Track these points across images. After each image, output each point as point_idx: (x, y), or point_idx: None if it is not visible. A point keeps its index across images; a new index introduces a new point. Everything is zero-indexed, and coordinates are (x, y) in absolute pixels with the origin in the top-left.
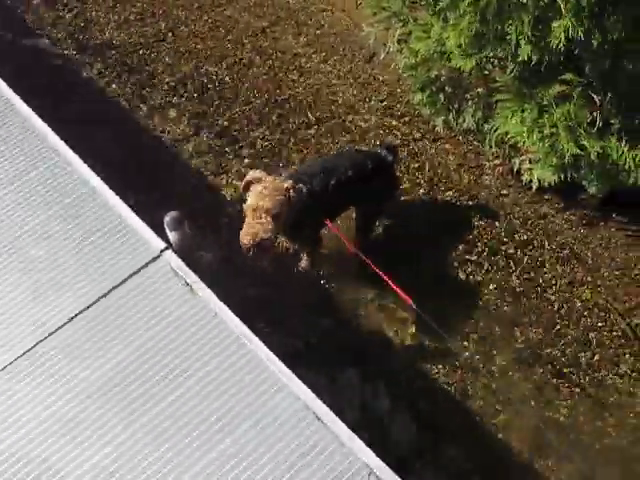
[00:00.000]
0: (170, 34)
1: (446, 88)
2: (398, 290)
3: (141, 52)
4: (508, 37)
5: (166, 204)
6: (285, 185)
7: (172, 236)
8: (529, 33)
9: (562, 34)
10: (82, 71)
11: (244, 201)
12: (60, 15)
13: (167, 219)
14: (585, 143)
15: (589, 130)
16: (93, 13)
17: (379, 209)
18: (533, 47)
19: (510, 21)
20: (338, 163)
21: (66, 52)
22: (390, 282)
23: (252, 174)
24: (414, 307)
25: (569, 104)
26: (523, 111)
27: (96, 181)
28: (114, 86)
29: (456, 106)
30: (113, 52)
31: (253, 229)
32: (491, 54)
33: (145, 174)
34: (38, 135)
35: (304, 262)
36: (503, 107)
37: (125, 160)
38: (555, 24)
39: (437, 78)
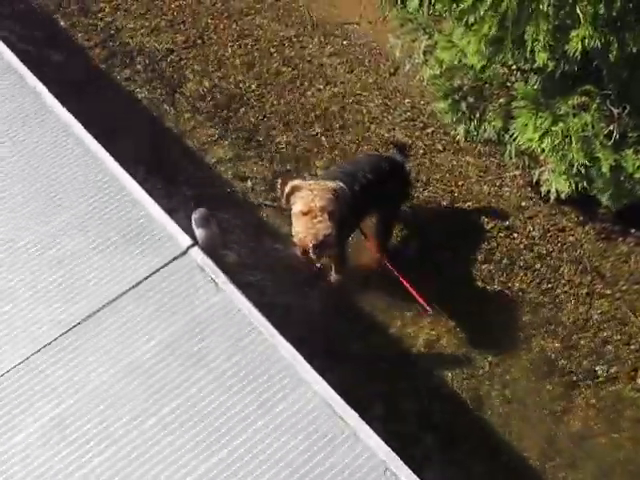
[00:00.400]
0: (199, 41)
1: (468, 97)
2: (418, 297)
3: (170, 59)
4: (525, 44)
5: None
6: (331, 185)
7: (199, 233)
8: (546, 40)
9: (579, 43)
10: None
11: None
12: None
13: (195, 216)
14: (599, 155)
15: (605, 142)
16: (124, 21)
17: (397, 212)
18: (550, 55)
19: (528, 28)
20: (357, 168)
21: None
22: (411, 289)
23: (293, 183)
24: (431, 313)
25: (587, 115)
26: (537, 120)
27: (125, 179)
28: (144, 91)
29: (477, 115)
30: (142, 58)
31: (313, 229)
32: (511, 62)
33: (170, 177)
34: (73, 136)
35: (333, 275)
36: (519, 116)
37: (151, 162)
38: (573, 33)
39: (460, 87)
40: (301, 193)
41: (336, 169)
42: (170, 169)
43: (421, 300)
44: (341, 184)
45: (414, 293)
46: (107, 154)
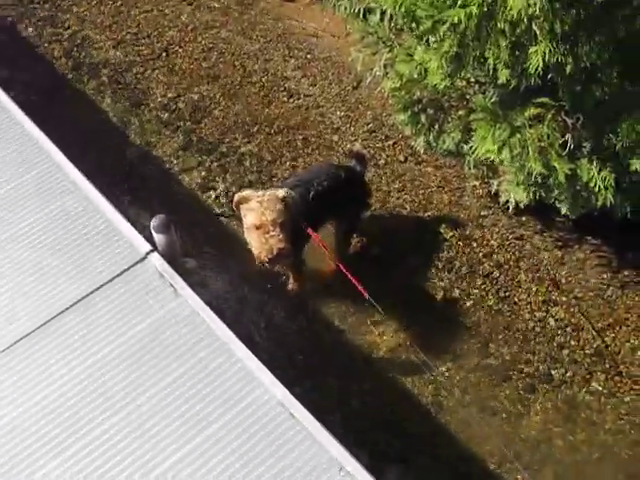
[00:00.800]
0: (164, 54)
1: (428, 110)
2: (356, 282)
3: (135, 70)
4: (487, 61)
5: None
6: (279, 194)
7: (158, 239)
8: (506, 58)
9: (540, 59)
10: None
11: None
12: (58, 32)
13: (154, 222)
14: (556, 164)
15: (560, 152)
16: (90, 32)
17: (356, 221)
18: (511, 71)
19: (488, 46)
20: (312, 176)
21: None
22: (351, 277)
23: (240, 194)
24: (370, 299)
25: (542, 126)
26: (495, 131)
27: (84, 184)
28: (108, 101)
29: (437, 127)
30: (108, 70)
31: (266, 244)
32: (470, 77)
33: (133, 186)
34: (33, 140)
35: (291, 284)
36: (478, 128)
37: (114, 171)
38: (532, 49)
39: (419, 100)
40: (250, 205)
41: (293, 178)
42: (133, 179)
43: (359, 286)
44: (290, 191)
45: (353, 280)
46: (68, 161)
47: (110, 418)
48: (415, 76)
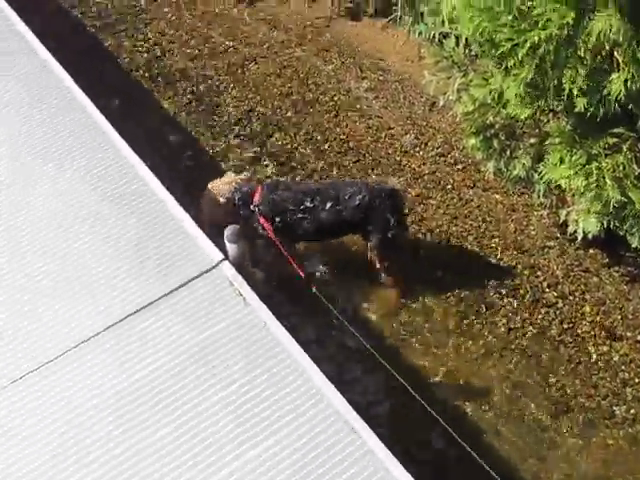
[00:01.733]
0: (239, 69)
1: (500, 135)
2: (297, 267)
3: (210, 83)
4: (563, 88)
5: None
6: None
7: (230, 249)
8: (584, 85)
9: (621, 86)
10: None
11: None
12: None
13: (227, 232)
14: (631, 195)
15: (636, 183)
16: (168, 46)
17: (384, 242)
18: (588, 99)
19: (566, 72)
20: (328, 188)
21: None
22: (291, 260)
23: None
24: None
25: (619, 156)
26: (572, 156)
27: (163, 193)
28: (182, 113)
29: (508, 153)
30: (184, 82)
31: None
32: (546, 105)
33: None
34: (115, 149)
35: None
36: (553, 152)
37: (186, 180)
38: (614, 76)
39: (492, 125)
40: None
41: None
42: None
43: (298, 269)
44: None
45: (294, 264)
46: (145, 167)
47: (171, 423)
48: (489, 101)
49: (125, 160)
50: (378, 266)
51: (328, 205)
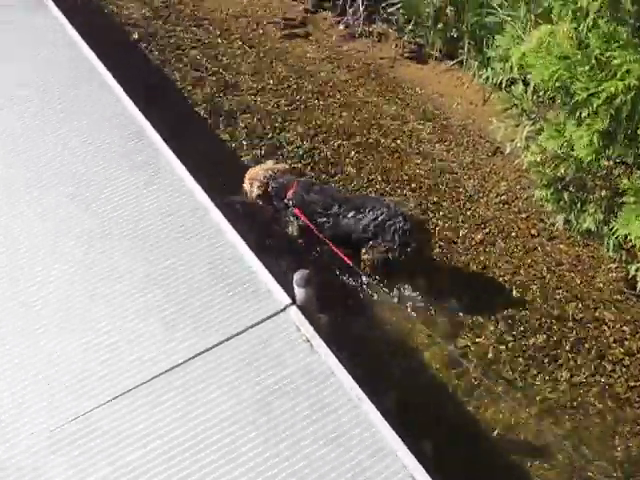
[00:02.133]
0: (302, 106)
1: (570, 187)
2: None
3: (272, 119)
4: (639, 141)
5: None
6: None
7: (299, 293)
8: None
9: None
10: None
11: None
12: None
13: (297, 276)
14: None
15: None
16: (232, 79)
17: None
18: None
19: None
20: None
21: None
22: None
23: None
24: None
25: None
26: None
27: (229, 230)
28: (244, 147)
29: (578, 206)
30: (246, 117)
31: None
32: (618, 157)
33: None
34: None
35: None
36: (627, 209)
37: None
38: None
39: (563, 177)
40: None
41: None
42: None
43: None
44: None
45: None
46: (213, 205)
47: (235, 470)
48: (561, 153)
49: (200, 205)
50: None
51: (351, 214)
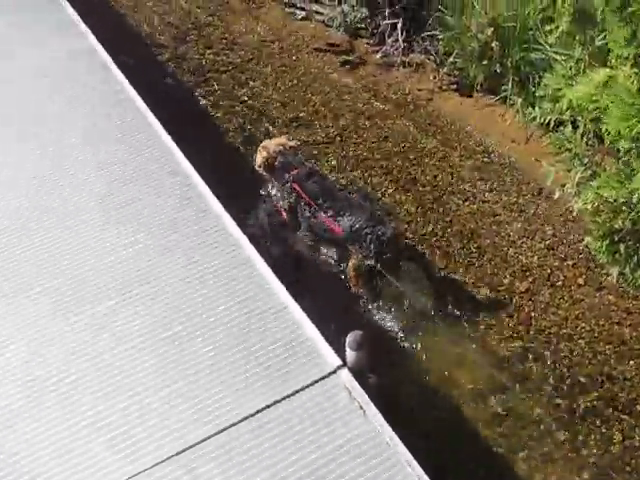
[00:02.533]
0: (338, 138)
1: (627, 239)
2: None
3: (307, 150)
4: None
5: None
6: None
7: (351, 356)
8: None
9: None
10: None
11: None
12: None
13: (350, 338)
14: None
15: None
16: (264, 108)
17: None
18: None
19: None
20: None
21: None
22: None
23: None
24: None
25: None
26: None
27: (284, 295)
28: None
29: (635, 259)
30: None
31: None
32: None
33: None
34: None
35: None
36: None
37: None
38: None
39: (619, 229)
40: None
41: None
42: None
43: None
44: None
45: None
46: (258, 254)
47: None
48: (620, 204)
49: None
50: (354, 283)
51: (331, 212)
